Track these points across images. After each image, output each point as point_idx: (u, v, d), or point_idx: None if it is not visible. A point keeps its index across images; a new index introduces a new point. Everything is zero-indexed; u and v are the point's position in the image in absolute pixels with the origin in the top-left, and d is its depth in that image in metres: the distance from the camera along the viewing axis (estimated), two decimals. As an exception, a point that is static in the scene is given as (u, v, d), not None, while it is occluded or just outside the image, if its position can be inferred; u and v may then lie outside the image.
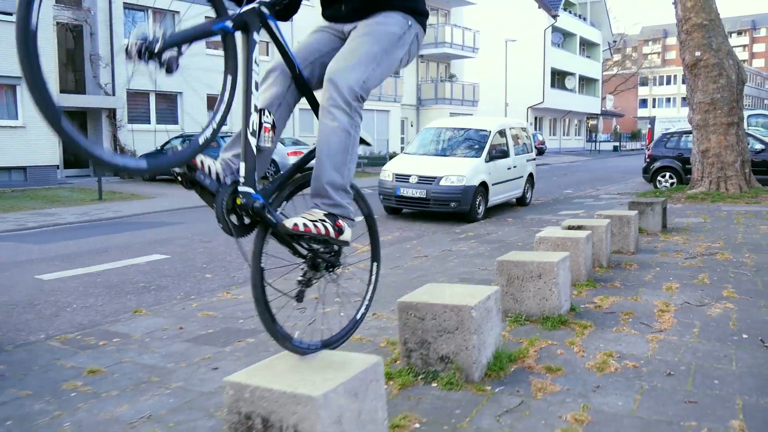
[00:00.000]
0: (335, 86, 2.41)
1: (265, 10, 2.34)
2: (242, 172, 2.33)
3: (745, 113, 16.26)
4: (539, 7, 46.14)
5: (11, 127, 19.55)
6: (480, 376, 3.51)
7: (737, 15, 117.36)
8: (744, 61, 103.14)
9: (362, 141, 2.68)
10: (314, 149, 2.55)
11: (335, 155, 2.46)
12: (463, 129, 13.51)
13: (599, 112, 60.40)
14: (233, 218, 2.35)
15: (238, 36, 2.25)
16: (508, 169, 13.33)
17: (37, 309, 6.04)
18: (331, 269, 2.75)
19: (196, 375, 3.92)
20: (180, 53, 1.93)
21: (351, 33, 2.65)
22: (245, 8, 2.26)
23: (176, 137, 21.82)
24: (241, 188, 2.31)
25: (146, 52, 1.83)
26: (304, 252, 2.61)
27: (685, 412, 3.12)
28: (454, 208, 11.65)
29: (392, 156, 26.72)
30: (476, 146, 12.75)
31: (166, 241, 9.48)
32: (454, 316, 3.44)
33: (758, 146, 15.95)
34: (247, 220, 2.40)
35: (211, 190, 2.28)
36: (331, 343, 2.78)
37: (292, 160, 20.49)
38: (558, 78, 51.23)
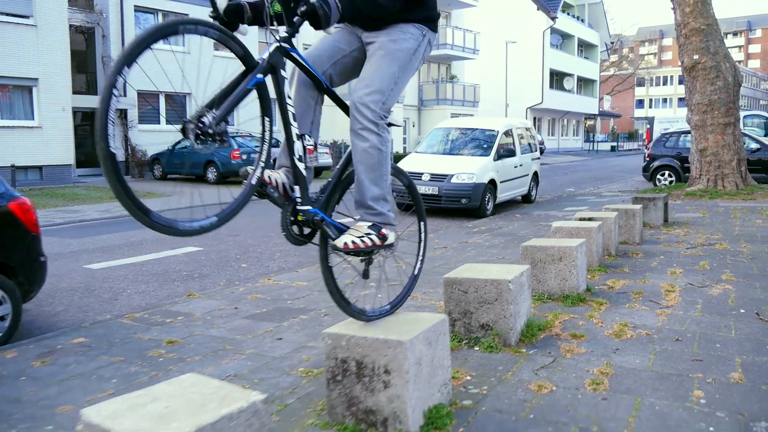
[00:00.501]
0: (361, 111, 2.67)
1: (286, 45, 2.53)
2: (298, 194, 2.67)
3: (742, 114, 16.85)
4: (538, 9, 46.74)
5: (28, 127, 20.06)
6: (515, 341, 4.08)
7: (733, 16, 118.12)
8: (740, 61, 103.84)
9: (391, 124, 2.91)
10: (348, 157, 2.90)
11: (372, 171, 2.75)
12: (471, 129, 14.08)
13: (597, 113, 61.04)
14: (294, 229, 2.71)
15: (267, 80, 2.44)
16: (515, 167, 13.91)
17: (95, 294, 6.59)
18: (388, 247, 3.02)
19: (264, 344, 4.48)
20: (227, 123, 2.19)
21: (369, 47, 2.85)
22: (269, 51, 2.45)
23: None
24: (300, 207, 2.67)
25: (203, 135, 2.09)
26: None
27: (692, 367, 3.69)
28: (464, 205, 12.21)
29: (396, 155, 27.30)
30: (485, 145, 13.32)
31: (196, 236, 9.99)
32: (493, 289, 4.00)
33: (754, 145, 16.55)
34: (306, 230, 2.75)
35: (278, 204, 2.65)
36: (397, 303, 3.19)
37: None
38: (556, 79, 51.86)
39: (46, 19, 20.14)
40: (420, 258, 3.41)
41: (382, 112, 2.71)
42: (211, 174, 21.26)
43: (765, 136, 18.48)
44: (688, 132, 15.87)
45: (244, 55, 2.35)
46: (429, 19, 2.90)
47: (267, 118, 2.45)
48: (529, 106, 47.30)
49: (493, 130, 13.62)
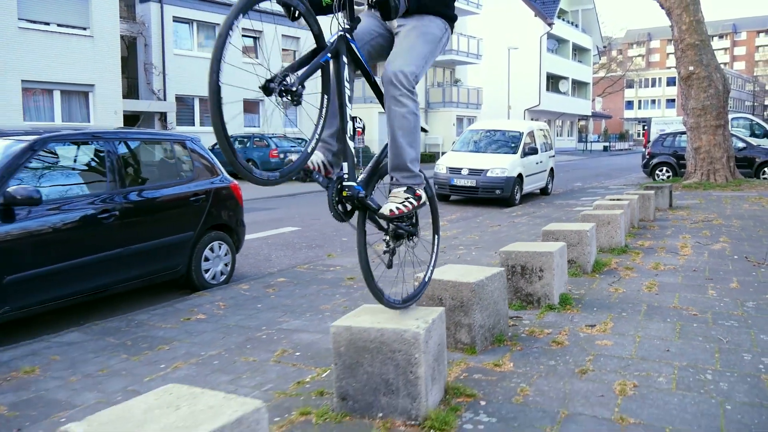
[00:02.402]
0: (399, 80, 2.85)
1: (348, 36, 2.76)
2: (345, 169, 2.85)
3: (730, 116, 19.17)
4: (536, 16, 49.10)
5: (85, 129, 22.06)
6: (590, 270, 6.27)
7: (719, 19, 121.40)
8: (725, 64, 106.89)
9: (422, 129, 3.19)
10: (384, 148, 3.11)
11: (409, 134, 2.92)
12: (499, 131, 16.30)
13: (590, 114, 63.54)
14: (340, 207, 2.87)
15: (332, 62, 2.67)
16: (537, 163, 16.13)
17: (251, 257, 8.69)
18: (410, 237, 3.28)
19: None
20: (303, 87, 2.36)
21: (400, 29, 3.05)
22: (336, 38, 2.69)
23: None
24: (346, 183, 2.83)
25: (286, 92, 2.29)
26: (387, 226, 3.16)
27: (706, 282, 5.90)
28: (498, 195, 14.41)
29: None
30: (512, 144, 15.53)
31: (283, 220, 12.12)
32: (576, 236, 6.20)
33: (740, 144, 18.89)
34: (349, 207, 2.91)
35: (323, 185, 2.83)
36: (408, 300, 3.33)
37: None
38: (552, 82, 54.23)
39: (100, 30, 22.15)
40: (431, 267, 3.56)
41: (415, 82, 2.91)
42: (251, 171, 23.29)
43: (750, 136, 20.85)
44: (683, 133, 18.17)
45: (318, 34, 2.56)
46: (452, 18, 3.19)
47: (326, 95, 2.66)
48: (526, 108, 49.61)
49: (519, 132, 15.85)
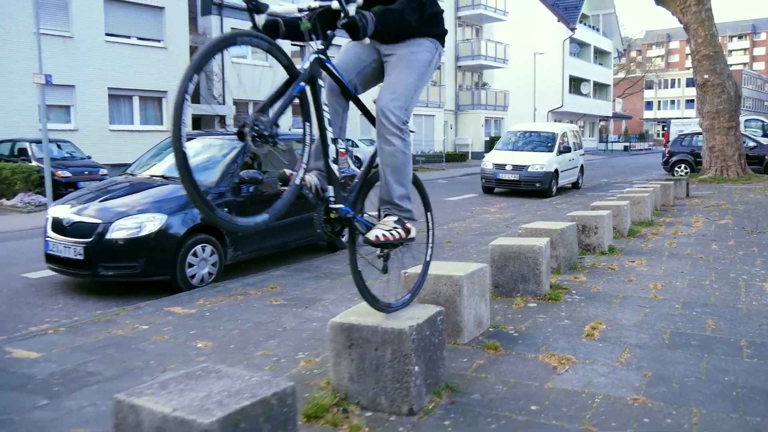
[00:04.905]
0: (387, 117, 2.92)
1: (323, 57, 2.74)
2: (331, 194, 2.90)
3: (743, 118, 21.38)
4: (558, 21, 51.27)
5: (159, 131, 24.63)
6: (626, 234, 8.62)
7: (738, 20, 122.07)
8: (744, 64, 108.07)
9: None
10: (372, 158, 3.21)
11: (397, 173, 3.01)
12: (536, 132, 18.63)
13: (610, 115, 65.49)
14: (327, 227, 2.97)
15: (308, 89, 2.65)
16: (570, 160, 18.43)
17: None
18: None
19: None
20: (278, 126, 2.41)
21: (388, 59, 3.13)
22: (309, 62, 2.65)
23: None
24: (332, 206, 2.91)
25: (260, 138, 2.31)
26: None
27: (710, 241, 8.24)
28: (538, 188, 16.74)
29: (436, 155, 31.91)
30: (548, 144, 17.85)
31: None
32: (616, 208, 8.53)
33: (751, 144, 21.11)
34: (337, 228, 3.02)
35: (312, 204, 2.95)
36: (416, 289, 3.55)
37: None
38: (574, 84, 56.34)
39: (173, 42, 24.76)
40: (431, 245, 3.66)
41: (404, 117, 2.95)
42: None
43: (762, 136, 23.02)
44: (700, 133, 20.41)
45: (288, 65, 2.56)
46: (440, 35, 3.18)
47: (308, 123, 2.65)
48: (550, 110, 51.75)
49: (554, 133, 18.18)
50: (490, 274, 5.39)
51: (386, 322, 3.17)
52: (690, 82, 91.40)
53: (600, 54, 61.47)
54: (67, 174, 16.16)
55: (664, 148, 24.22)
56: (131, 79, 23.21)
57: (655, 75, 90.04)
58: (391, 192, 3.05)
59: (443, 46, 3.23)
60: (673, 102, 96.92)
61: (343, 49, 3.24)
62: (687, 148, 22.11)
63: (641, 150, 64.33)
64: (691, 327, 4.59)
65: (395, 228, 3.04)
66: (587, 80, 57.61)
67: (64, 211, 6.64)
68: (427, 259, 3.64)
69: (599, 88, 62.04)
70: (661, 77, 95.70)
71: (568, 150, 18.31)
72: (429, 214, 3.66)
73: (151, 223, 6.31)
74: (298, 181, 2.62)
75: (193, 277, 6.58)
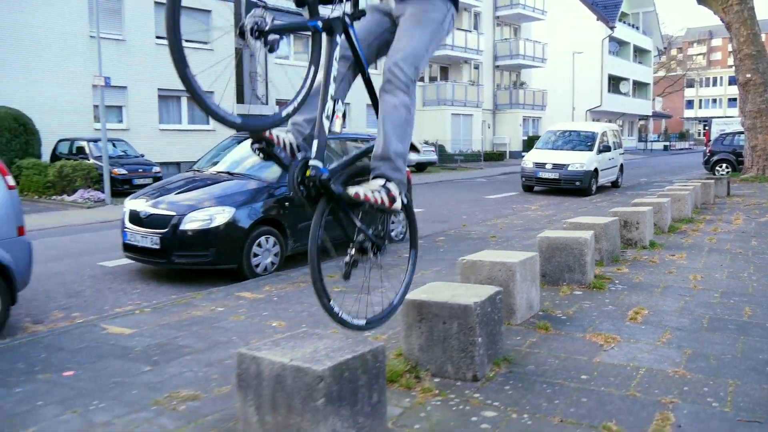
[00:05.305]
0: (394, 72, 2.85)
1: (348, 20, 2.79)
2: (314, 148, 2.72)
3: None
4: (598, 20, 50.98)
5: (206, 130, 25.44)
6: (666, 230, 8.89)
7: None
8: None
9: (412, 147, 3.08)
10: (373, 145, 2.97)
11: (399, 128, 2.87)
12: (576, 131, 18.84)
13: (650, 114, 64.80)
14: (302, 188, 2.73)
15: (324, 36, 2.72)
16: (609, 159, 18.59)
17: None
18: (376, 252, 3.19)
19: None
20: (281, 38, 2.37)
21: (400, 18, 3.04)
22: (333, 16, 2.73)
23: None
24: (311, 162, 2.69)
25: (257, 31, 2.31)
26: (355, 235, 3.07)
27: (750, 238, 8.47)
28: (577, 186, 16.96)
29: (474, 154, 32.16)
30: (588, 143, 18.04)
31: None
32: (657, 205, 8.81)
33: (795, 143, 20.95)
34: (313, 192, 2.74)
35: (285, 163, 2.75)
36: (374, 319, 3.16)
37: (414, 156, 26.21)
38: (613, 83, 55.93)
39: (219, 44, 25.51)
40: (403, 288, 3.41)
41: (413, 74, 2.88)
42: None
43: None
44: (741, 132, 20.37)
45: (313, 3, 2.67)
46: None
47: (313, 66, 2.68)
48: (588, 109, 51.49)
49: (594, 132, 18.37)
50: (540, 263, 5.76)
51: (453, 299, 3.59)
52: (732, 81, 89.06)
53: (639, 52, 60.89)
54: (123, 171, 16.95)
55: (705, 148, 24.13)
56: (179, 81, 23.91)
57: (697, 73, 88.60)
58: (389, 145, 2.87)
59: (456, 11, 3.14)
60: (714, 100, 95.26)
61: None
62: (728, 148, 22.05)
63: (681, 149, 63.52)
64: (728, 313, 4.92)
65: (379, 191, 2.84)
66: (626, 79, 57.13)
67: (140, 204, 7.21)
68: (394, 301, 3.33)
69: (638, 86, 61.44)
70: (703, 75, 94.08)
71: (607, 149, 18.48)
72: (413, 251, 3.50)
73: (221, 216, 6.84)
74: (284, 114, 2.57)
75: (257, 266, 7.09)
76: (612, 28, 51.31)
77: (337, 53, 2.76)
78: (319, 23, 2.66)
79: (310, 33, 2.68)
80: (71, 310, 6.06)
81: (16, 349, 4.60)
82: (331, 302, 2.89)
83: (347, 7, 2.79)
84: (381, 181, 2.87)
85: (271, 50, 2.37)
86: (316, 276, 2.81)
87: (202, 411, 3.38)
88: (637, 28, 59.08)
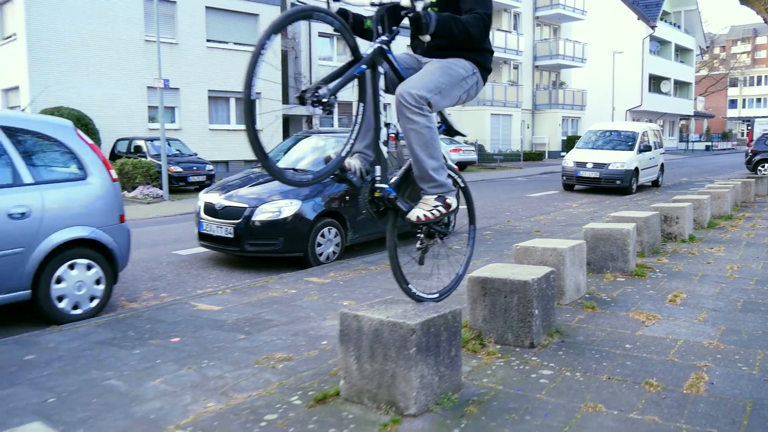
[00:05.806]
0: (404, 98, 3.01)
1: (385, 47, 3.03)
2: (378, 172, 3.11)
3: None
4: (638, 19, 50.70)
5: (252, 130, 26.28)
6: (706, 226, 9.26)
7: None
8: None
9: (458, 133, 3.59)
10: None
11: (426, 147, 3.09)
12: (616, 131, 19.12)
13: (692, 114, 64.05)
14: (372, 206, 3.18)
15: (368, 72, 2.94)
16: (650, 159, 18.83)
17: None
18: (442, 237, 3.59)
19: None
20: (335, 98, 2.62)
21: (426, 64, 3.30)
22: (372, 49, 2.94)
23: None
24: (377, 185, 3.12)
25: (318, 102, 2.55)
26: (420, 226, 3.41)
27: (788, 233, 8.82)
28: (618, 185, 17.27)
29: (514, 153, 32.42)
30: (629, 143, 18.31)
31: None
32: (697, 202, 9.19)
33: (840, 143, 20.91)
34: (381, 208, 3.21)
35: (357, 186, 3.12)
36: (444, 291, 3.70)
37: (455, 155, 26.71)
38: (654, 83, 55.51)
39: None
40: (467, 258, 3.95)
41: (422, 101, 3.02)
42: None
43: None
44: (785, 132, 20.40)
45: (354, 47, 2.83)
46: (482, 65, 3.34)
47: (362, 103, 2.92)
48: (628, 109, 51.24)
49: (635, 132, 18.64)
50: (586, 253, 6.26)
51: (513, 276, 4.14)
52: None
53: (681, 51, 60.26)
54: (179, 169, 17.82)
55: (747, 147, 24.12)
56: (228, 82, 24.81)
57: (740, 72, 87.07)
58: (424, 165, 3.11)
59: (483, 81, 3.37)
60: (759, 100, 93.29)
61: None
62: (771, 147, 22.08)
63: (724, 150, 62.68)
64: (762, 298, 5.36)
65: (436, 206, 3.18)
66: (667, 78, 56.63)
67: (214, 197, 7.89)
68: (459, 272, 3.88)
69: (680, 86, 60.81)
70: (747, 74, 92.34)
71: (648, 149, 18.72)
72: (472, 227, 3.91)
73: (289, 208, 7.47)
74: (343, 154, 2.89)
75: (320, 254, 7.70)
76: (653, 27, 50.97)
77: (381, 83, 3.02)
78: (364, 66, 2.89)
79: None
80: (159, 291, 6.76)
81: (122, 321, 5.28)
82: (409, 285, 3.42)
83: (382, 36, 3.03)
84: (433, 196, 3.21)
85: (330, 113, 2.64)
86: (396, 268, 3.34)
87: (297, 369, 3.98)
88: (679, 26, 58.49)
